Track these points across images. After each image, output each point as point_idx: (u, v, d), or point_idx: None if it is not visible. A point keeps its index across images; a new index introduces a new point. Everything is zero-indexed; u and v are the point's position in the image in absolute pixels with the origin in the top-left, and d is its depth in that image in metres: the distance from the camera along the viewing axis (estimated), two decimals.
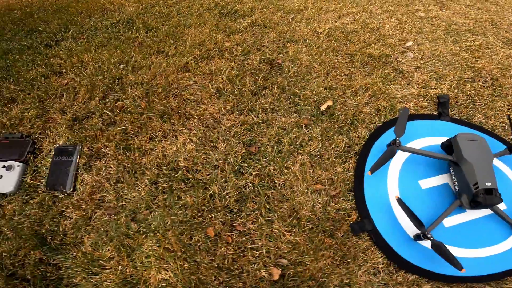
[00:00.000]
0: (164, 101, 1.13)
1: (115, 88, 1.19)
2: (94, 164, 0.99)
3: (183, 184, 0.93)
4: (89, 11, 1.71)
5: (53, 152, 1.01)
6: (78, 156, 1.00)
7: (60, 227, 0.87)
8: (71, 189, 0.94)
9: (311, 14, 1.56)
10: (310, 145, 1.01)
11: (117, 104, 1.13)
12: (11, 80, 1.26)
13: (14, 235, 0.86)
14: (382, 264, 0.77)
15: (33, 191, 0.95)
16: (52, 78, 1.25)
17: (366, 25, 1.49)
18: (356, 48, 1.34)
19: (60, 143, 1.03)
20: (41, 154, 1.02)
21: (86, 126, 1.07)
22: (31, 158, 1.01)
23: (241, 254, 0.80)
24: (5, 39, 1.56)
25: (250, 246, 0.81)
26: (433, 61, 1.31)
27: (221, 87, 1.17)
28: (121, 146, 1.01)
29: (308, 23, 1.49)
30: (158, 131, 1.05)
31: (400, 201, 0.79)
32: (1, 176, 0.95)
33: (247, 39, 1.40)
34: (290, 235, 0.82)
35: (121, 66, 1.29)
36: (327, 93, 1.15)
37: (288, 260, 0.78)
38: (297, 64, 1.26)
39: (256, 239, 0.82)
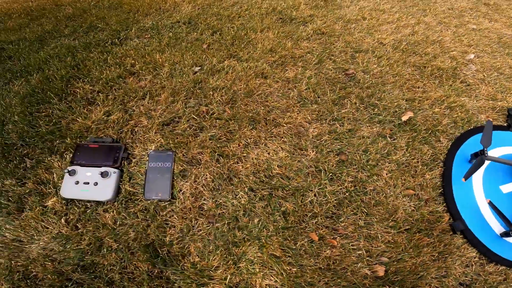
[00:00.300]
0: (249, 107, 1.15)
1: (196, 92, 1.19)
2: (190, 171, 0.99)
3: (280, 191, 0.95)
4: (145, 9, 1.69)
5: (148, 158, 1.01)
6: (174, 163, 1.00)
7: (167, 237, 0.87)
8: (170, 197, 0.95)
9: (370, 25, 1.59)
10: (397, 154, 1.04)
11: (201, 109, 1.14)
12: (85, 80, 1.25)
13: (120, 247, 0.86)
14: (474, 258, 0.86)
15: (132, 199, 0.95)
16: (129, 79, 1.24)
17: (427, 37, 1.53)
18: (424, 61, 1.37)
19: (152, 148, 1.03)
20: (135, 160, 1.02)
21: (176, 131, 1.07)
22: (125, 164, 1.01)
23: (345, 255, 0.84)
24: (63, 35, 1.53)
25: (351, 247, 0.86)
26: (495, 74, 1.36)
27: (303, 95, 1.19)
28: (216, 153, 1.02)
29: (370, 33, 1.52)
30: (249, 138, 1.06)
31: (491, 204, 0.90)
32: (97, 183, 0.95)
33: (314, 47, 1.42)
34: (389, 235, 0.88)
35: (196, 68, 1.29)
36: (406, 105, 1.18)
37: (388, 258, 0.85)
38: (371, 75, 1.29)
39: (356, 241, 0.87)
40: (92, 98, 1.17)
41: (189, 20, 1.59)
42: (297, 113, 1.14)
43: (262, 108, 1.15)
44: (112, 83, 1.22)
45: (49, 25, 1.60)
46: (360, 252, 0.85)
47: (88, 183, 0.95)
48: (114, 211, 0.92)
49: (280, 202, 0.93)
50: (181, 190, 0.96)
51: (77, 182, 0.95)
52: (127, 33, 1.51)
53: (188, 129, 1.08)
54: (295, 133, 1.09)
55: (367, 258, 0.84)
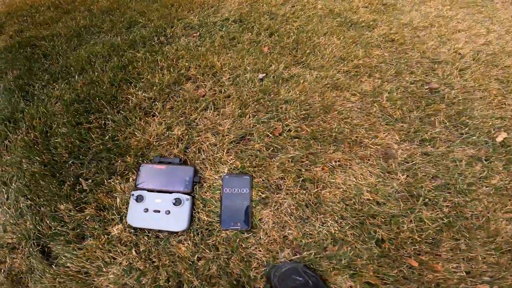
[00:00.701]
0: (329, 125, 1.01)
1: (266, 104, 1.05)
2: (270, 197, 0.86)
3: (373, 218, 0.83)
4: (187, 3, 1.53)
5: (222, 183, 0.87)
6: (251, 188, 0.87)
7: (252, 272, 0.75)
8: (250, 226, 0.81)
9: (441, 33, 1.45)
10: (494, 177, 0.93)
11: (275, 125, 1.00)
12: (137, 85, 1.10)
13: (203, 284, 0.73)
14: None
15: (208, 229, 0.82)
16: (185, 85, 1.10)
17: (502, 47, 1.39)
18: (506, 74, 1.24)
19: (226, 171, 0.90)
20: (206, 184, 0.88)
21: (249, 150, 0.93)
22: (197, 189, 0.87)
23: (448, 278, 0.77)
24: (102, 31, 1.37)
25: (453, 270, 0.78)
26: None
27: (386, 111, 1.06)
28: (300, 178, 0.88)
29: (443, 42, 1.39)
30: (334, 161, 0.93)
31: None
32: (169, 211, 0.82)
33: (386, 56, 1.28)
34: (491, 257, 0.80)
35: (261, 76, 1.14)
36: (499, 124, 1.06)
37: (490, 277, 0.78)
38: (456, 90, 1.15)
39: (457, 264, 0.79)
40: (149, 107, 1.02)
41: (239, 18, 1.44)
42: (384, 133, 1.00)
43: (344, 125, 1.01)
44: (168, 90, 1.07)
45: (84, 20, 1.44)
46: (461, 273, 0.77)
47: (158, 211, 0.82)
48: (190, 243, 0.79)
49: (374, 229, 0.81)
50: (261, 219, 0.83)
51: (146, 210, 0.82)
52: (173, 30, 1.35)
53: (264, 149, 0.94)
54: (383, 155, 0.96)
55: (469, 278, 0.77)
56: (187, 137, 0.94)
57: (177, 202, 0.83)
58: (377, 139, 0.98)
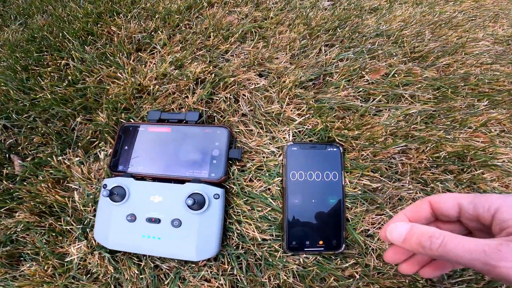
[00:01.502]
0: (463, 70, 0.55)
1: (347, 36, 0.60)
2: (383, 188, 0.40)
3: None
4: None
5: (285, 160, 0.42)
6: (342, 171, 0.41)
7: None
8: (343, 245, 0.36)
9: None
10: None
11: (370, 65, 0.54)
12: (128, 15, 0.67)
13: None
14: None
15: (257, 254, 0.37)
16: (208, 11, 0.66)
17: None
18: None
19: (290, 138, 0.45)
20: (251, 163, 0.44)
21: (329, 101, 0.48)
22: (235, 173, 0.42)
23: None
24: None
25: None
26: None
27: None
28: (436, 152, 0.42)
29: None
30: (492, 124, 0.47)
31: None
32: (179, 221, 0.40)
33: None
34: None
35: (326, 2, 0.70)
36: None
37: None
38: None
39: None
40: (145, 40, 0.59)
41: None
42: None
43: (488, 74, 0.55)
44: (178, 17, 0.64)
45: None
46: None
47: (158, 220, 0.39)
48: (225, 283, 0.34)
49: None
50: (366, 231, 0.38)
51: (131, 218, 0.39)
52: None
53: (355, 99, 0.49)
54: None
55: None
56: (211, 77, 0.49)
57: (196, 201, 0.39)
58: None
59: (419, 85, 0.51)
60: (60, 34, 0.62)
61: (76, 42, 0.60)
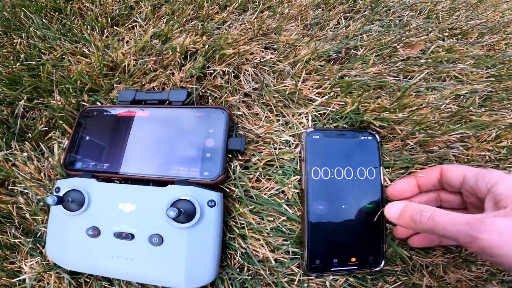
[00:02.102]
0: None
1: (371, 7, 0.50)
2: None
3: None
4: None
5: (304, 153, 0.31)
6: (381, 166, 0.30)
7: None
8: (382, 261, 0.26)
9: None
10: None
11: (400, 38, 0.44)
12: None
13: None
14: None
15: (267, 280, 0.25)
16: None
17: None
18: None
19: (309, 123, 0.34)
20: (258, 157, 0.32)
21: (356, 78, 0.37)
22: (236, 170, 0.31)
23: None
24: None
25: None
26: None
27: None
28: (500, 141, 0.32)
29: None
30: None
31: None
32: (159, 237, 0.29)
33: None
34: None
35: None
36: None
37: None
38: None
39: None
40: (123, 14, 0.48)
41: None
42: None
43: None
44: None
45: None
46: None
47: (131, 236, 0.28)
48: None
49: None
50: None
51: (94, 232, 0.28)
52: None
53: (390, 77, 0.38)
54: None
55: None
56: (205, 48, 0.38)
57: (184, 211, 0.27)
58: None
59: (466, 63, 0.41)
60: (22, 13, 0.51)
61: (38, 19, 0.48)
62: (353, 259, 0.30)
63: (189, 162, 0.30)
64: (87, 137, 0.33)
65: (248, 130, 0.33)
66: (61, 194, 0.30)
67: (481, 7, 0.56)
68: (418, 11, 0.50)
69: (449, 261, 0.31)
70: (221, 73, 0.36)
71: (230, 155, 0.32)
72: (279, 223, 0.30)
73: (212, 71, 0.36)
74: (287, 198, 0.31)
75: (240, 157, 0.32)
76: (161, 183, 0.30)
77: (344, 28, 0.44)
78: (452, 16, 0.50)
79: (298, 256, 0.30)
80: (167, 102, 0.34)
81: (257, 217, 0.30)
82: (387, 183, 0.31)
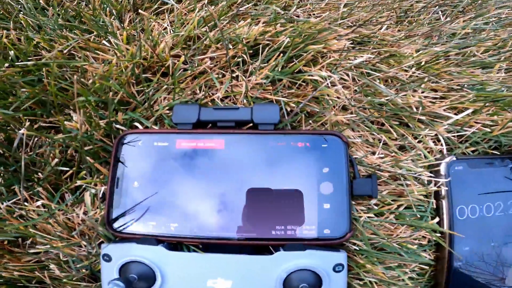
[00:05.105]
0: None
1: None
2: None
3: None
4: None
5: (447, 189, 0.22)
6: None
7: None
8: None
9: None
10: None
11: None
12: None
13: None
14: None
15: None
16: None
17: None
18: None
19: (456, 155, 0.25)
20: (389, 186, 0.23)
21: None
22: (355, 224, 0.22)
23: None
24: None
25: None
26: None
27: None
28: None
29: None
30: None
31: None
32: None
33: None
34: None
35: None
36: None
37: None
38: None
39: None
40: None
41: None
42: None
43: None
44: None
45: None
46: None
47: None
48: None
49: None
50: None
51: None
52: None
53: None
54: None
55: None
56: (285, 40, 0.27)
57: (307, 285, 0.18)
58: None
59: None
60: None
61: (30, 3, 0.35)
62: None
63: (300, 217, 0.21)
64: (135, 182, 0.22)
65: (359, 162, 0.24)
66: (116, 267, 0.19)
67: None
68: None
69: None
70: (321, 79, 0.26)
71: (354, 202, 0.23)
72: (408, 270, 0.23)
73: (310, 77, 0.26)
74: (420, 243, 0.23)
75: (367, 203, 0.23)
76: (262, 248, 0.21)
77: (447, 24, 0.35)
78: None
79: None
80: (251, 124, 0.24)
81: (383, 268, 0.22)
82: None
